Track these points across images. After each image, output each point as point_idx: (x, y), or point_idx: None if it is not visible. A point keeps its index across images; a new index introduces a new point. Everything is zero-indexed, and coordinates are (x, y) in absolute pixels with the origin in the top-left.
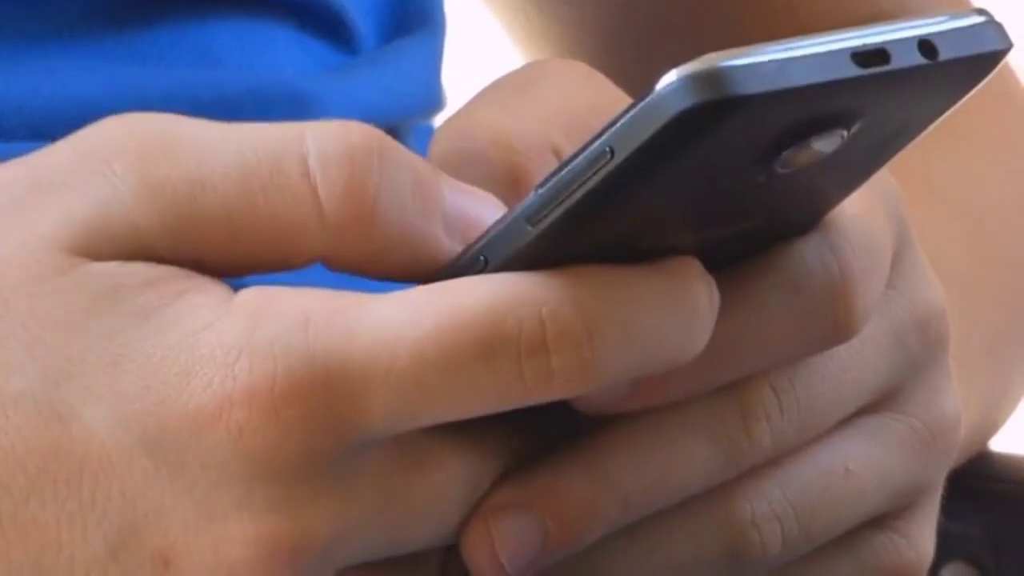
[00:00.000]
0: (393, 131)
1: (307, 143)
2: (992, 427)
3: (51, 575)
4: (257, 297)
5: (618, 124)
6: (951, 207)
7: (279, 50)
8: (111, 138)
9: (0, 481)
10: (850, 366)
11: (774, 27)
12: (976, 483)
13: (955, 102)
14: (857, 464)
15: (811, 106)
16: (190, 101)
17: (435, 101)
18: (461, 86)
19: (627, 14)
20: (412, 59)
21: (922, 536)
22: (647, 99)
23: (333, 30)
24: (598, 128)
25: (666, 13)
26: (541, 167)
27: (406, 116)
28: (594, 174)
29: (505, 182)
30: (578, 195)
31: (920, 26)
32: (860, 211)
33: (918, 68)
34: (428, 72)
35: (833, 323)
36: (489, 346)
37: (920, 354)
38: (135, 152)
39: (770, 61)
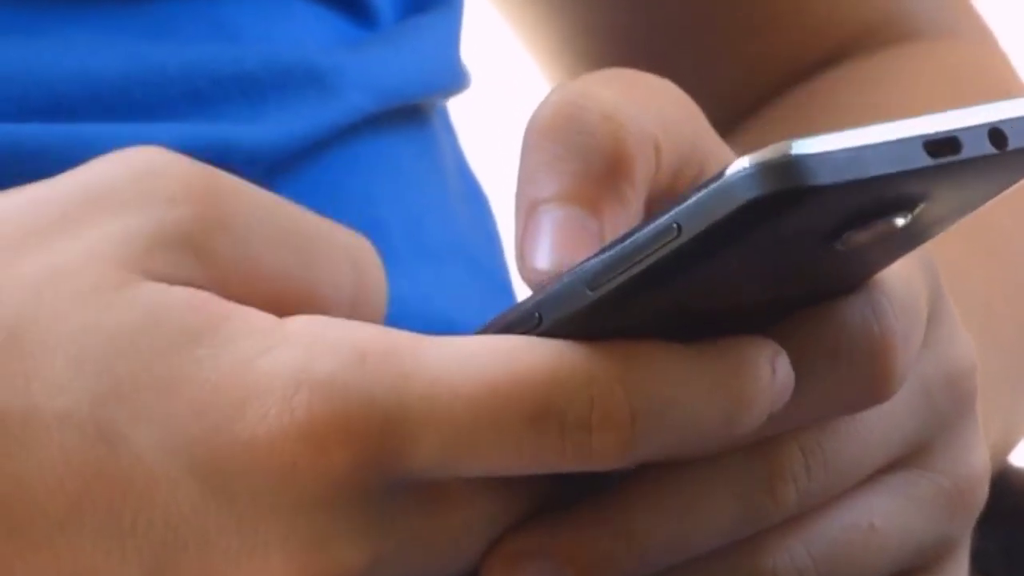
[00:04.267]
0: (414, 109)
1: None
2: (1010, 448)
3: None
4: (310, 327)
5: (687, 203)
6: (967, 229)
7: (297, 24)
8: (165, 163)
9: (38, 503)
10: (879, 424)
11: (779, 33)
12: (991, 498)
13: (1016, 182)
14: (882, 520)
15: (880, 192)
16: (208, 76)
17: (456, 79)
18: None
19: (633, 15)
20: (430, 36)
21: None
22: (718, 182)
23: (351, 4)
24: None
25: (674, 16)
26: (642, 155)
27: (425, 94)
28: (659, 248)
29: (606, 157)
30: (641, 266)
31: (990, 111)
32: (900, 271)
33: (987, 156)
34: (447, 50)
35: (870, 384)
36: (539, 414)
37: (949, 411)
38: (196, 179)
39: (843, 151)
